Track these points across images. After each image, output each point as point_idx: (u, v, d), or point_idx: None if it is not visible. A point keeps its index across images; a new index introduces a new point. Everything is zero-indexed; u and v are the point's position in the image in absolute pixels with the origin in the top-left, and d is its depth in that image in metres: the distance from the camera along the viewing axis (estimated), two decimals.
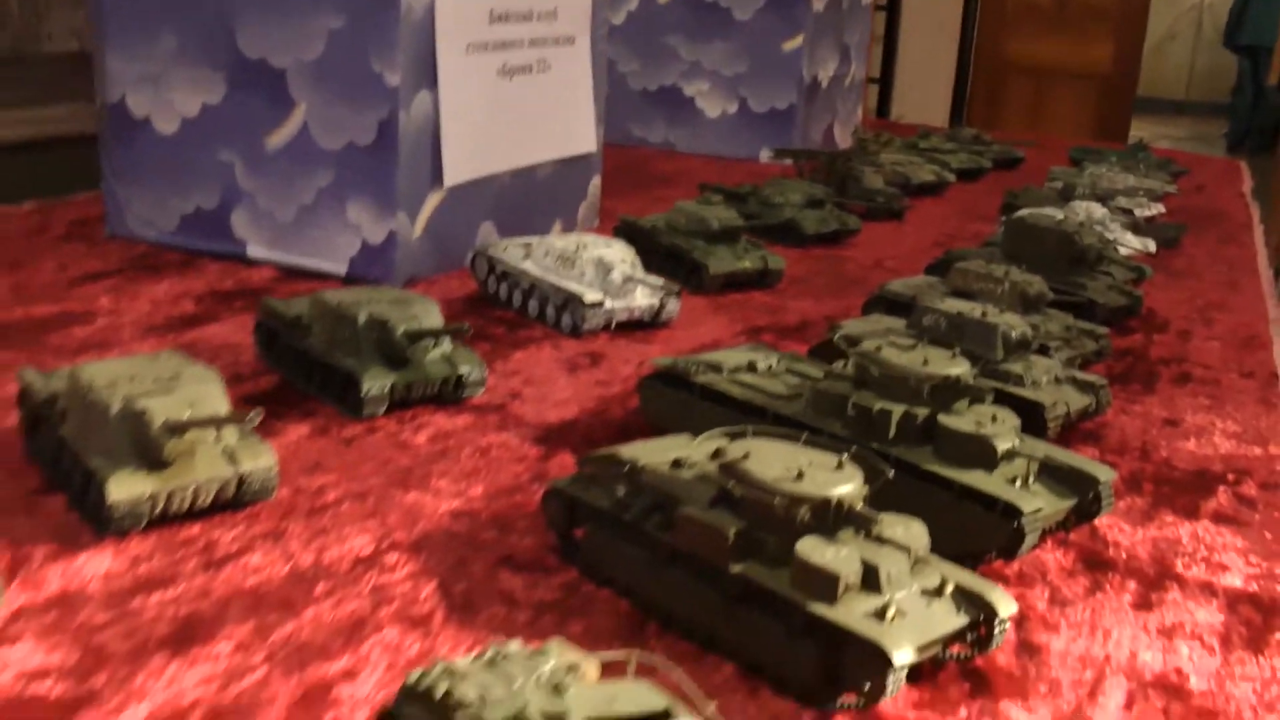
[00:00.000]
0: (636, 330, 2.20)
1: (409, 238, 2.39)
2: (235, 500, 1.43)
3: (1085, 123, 7.09)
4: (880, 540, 1.14)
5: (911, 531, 1.16)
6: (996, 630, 1.15)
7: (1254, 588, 1.39)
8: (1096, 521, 1.50)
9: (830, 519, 1.14)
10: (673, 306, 2.22)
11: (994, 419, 1.41)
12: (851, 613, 1.08)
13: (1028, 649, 1.23)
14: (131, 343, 2.03)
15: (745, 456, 1.18)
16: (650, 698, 0.84)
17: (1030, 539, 1.32)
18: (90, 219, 2.81)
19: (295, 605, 1.25)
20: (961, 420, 1.40)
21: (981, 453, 1.37)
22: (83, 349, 1.98)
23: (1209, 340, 2.35)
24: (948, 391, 1.43)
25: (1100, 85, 7.23)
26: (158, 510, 1.37)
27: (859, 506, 1.15)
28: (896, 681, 1.06)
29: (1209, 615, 1.33)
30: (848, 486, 1.15)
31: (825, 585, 1.09)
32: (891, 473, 1.20)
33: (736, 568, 1.14)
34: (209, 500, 1.40)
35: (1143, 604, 1.34)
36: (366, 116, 2.32)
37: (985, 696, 1.14)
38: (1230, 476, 1.70)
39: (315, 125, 2.38)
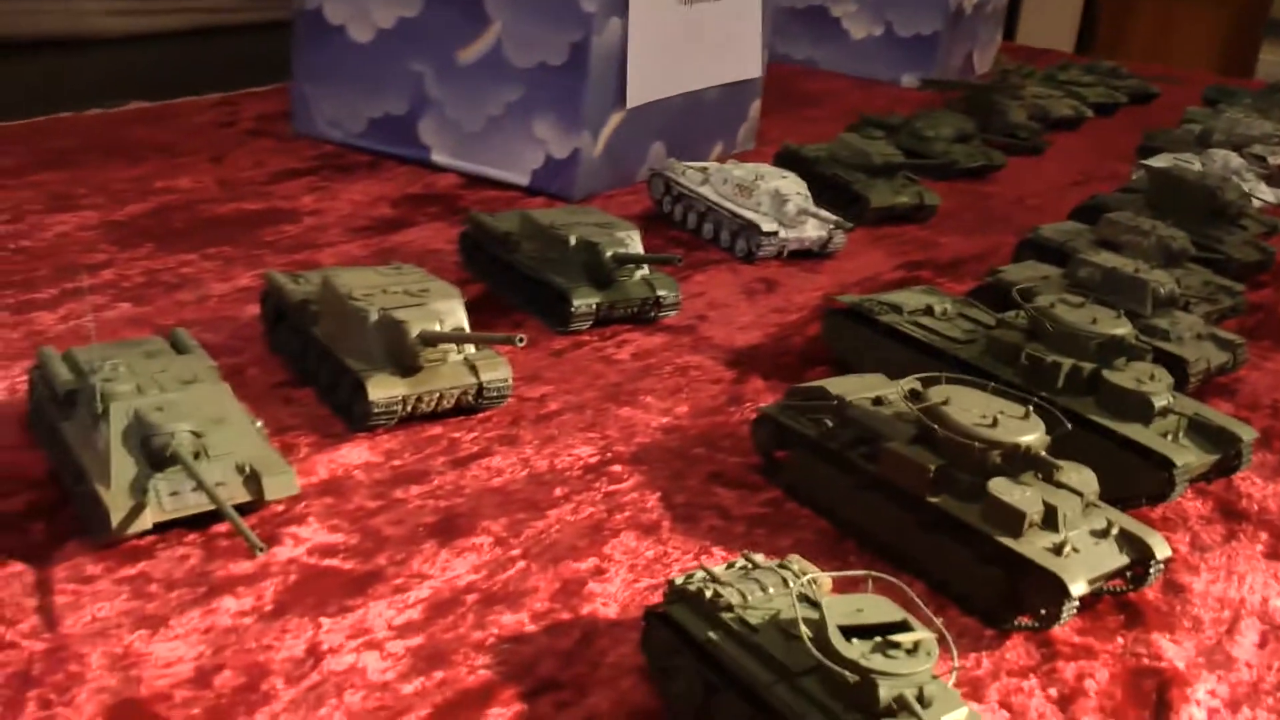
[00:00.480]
0: (805, 259, 2.37)
1: (591, 154, 2.56)
2: (472, 406, 1.64)
3: (1215, 47, 7.01)
4: (1058, 485, 1.32)
5: (1084, 478, 1.34)
6: (1152, 570, 1.33)
7: None
8: (1232, 479, 1.66)
9: (1017, 463, 1.32)
10: (839, 239, 2.39)
11: (1152, 377, 1.57)
12: (1034, 546, 1.26)
13: (1173, 588, 1.41)
14: (340, 244, 2.23)
15: (945, 402, 1.36)
16: (888, 610, 1.03)
17: (1179, 489, 1.49)
18: (274, 114, 3.02)
19: (540, 505, 1.46)
20: (1123, 376, 1.57)
21: (1140, 407, 1.54)
22: (297, 247, 2.19)
23: None
24: (1112, 349, 1.60)
25: (1232, 5, 7.14)
26: (407, 410, 1.57)
27: (1042, 453, 1.33)
28: (1070, 610, 1.25)
29: None
30: (1033, 435, 1.33)
31: (1013, 521, 1.27)
32: (1070, 426, 1.38)
33: (934, 499, 1.33)
34: (451, 403, 1.61)
35: (1273, 554, 1.51)
36: (560, 38, 2.49)
37: (1139, 628, 1.33)
38: None
39: (509, 43, 2.55)
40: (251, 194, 2.45)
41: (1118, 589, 1.36)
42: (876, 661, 0.98)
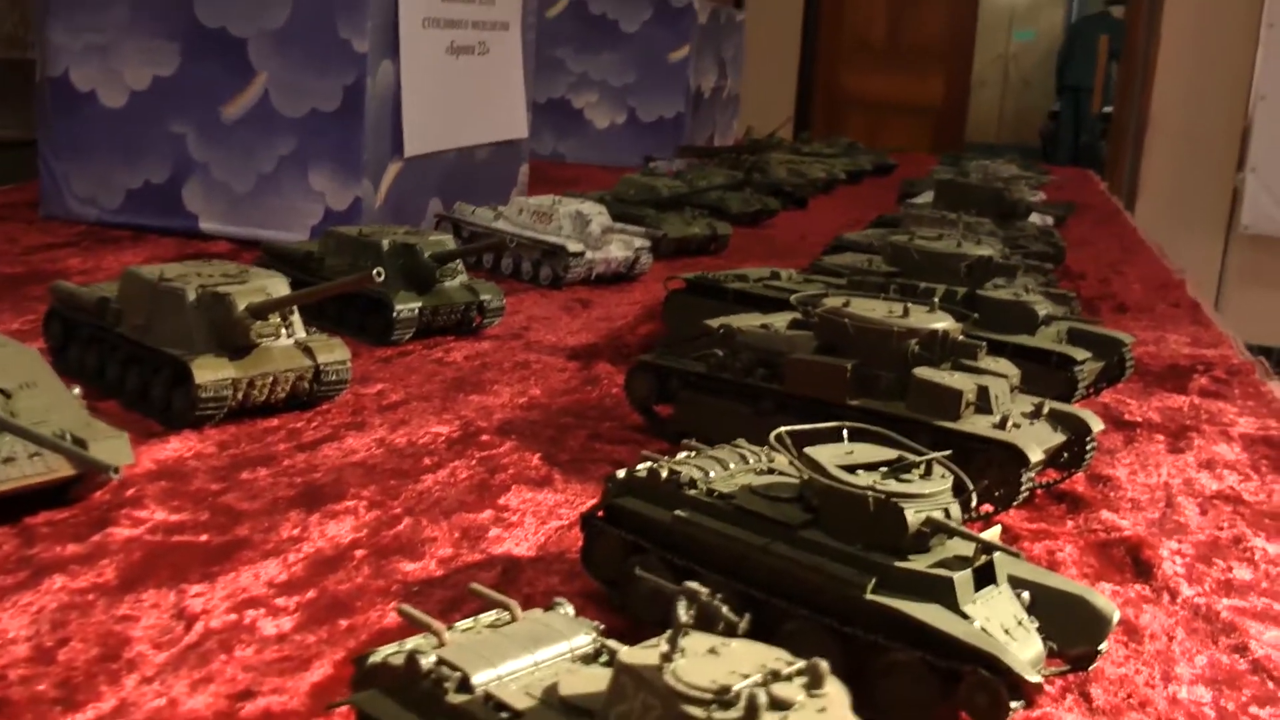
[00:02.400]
0: (612, 283, 2.26)
1: (372, 205, 2.41)
2: (309, 396, 1.44)
3: (921, 153, 7.40)
4: (981, 371, 1.23)
5: (1004, 364, 1.26)
6: (1089, 447, 1.25)
7: (1260, 433, 1.54)
8: (1103, 398, 1.62)
9: (937, 349, 1.23)
10: (646, 260, 2.30)
11: (1027, 289, 1.52)
12: (978, 424, 1.16)
13: (1100, 480, 1.34)
14: None
15: (846, 304, 1.26)
16: (880, 451, 0.91)
17: (1081, 388, 1.43)
18: (18, 204, 2.75)
19: (411, 473, 1.27)
20: (1001, 292, 1.51)
21: (1025, 318, 1.48)
22: None
23: (1128, 284, 2.54)
24: (983, 269, 1.54)
25: (934, 119, 7.59)
26: (238, 397, 1.37)
27: (961, 337, 1.24)
28: (1028, 482, 1.15)
29: (1232, 453, 1.47)
30: (947, 321, 1.24)
31: (949, 403, 1.17)
32: (975, 315, 1.30)
33: (855, 401, 1.22)
34: (286, 390, 1.41)
35: (1175, 449, 1.47)
36: (332, 83, 2.35)
37: (1084, 511, 1.25)
38: (1199, 367, 1.85)
39: (277, 93, 2.39)
40: (8, 263, 2.19)
41: (1051, 482, 1.27)
42: (893, 487, 0.85)
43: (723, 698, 0.53)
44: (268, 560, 1.06)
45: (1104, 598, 0.88)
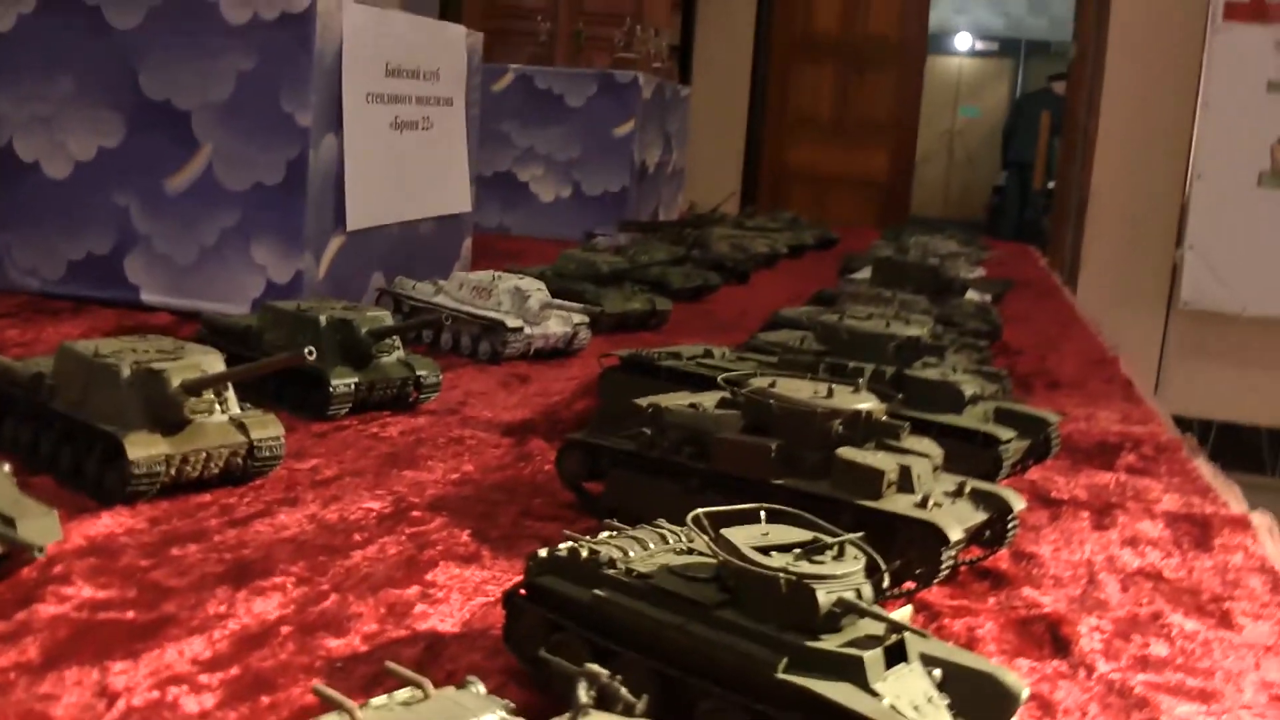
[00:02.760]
0: (551, 358, 2.28)
1: (314, 279, 2.42)
2: (242, 472, 1.45)
3: (866, 227, 7.50)
4: (904, 451, 1.26)
5: (927, 444, 1.28)
6: (1010, 526, 1.27)
7: (1183, 511, 1.57)
8: (1031, 476, 1.66)
9: (860, 430, 1.25)
10: (584, 336, 2.32)
11: (954, 369, 1.55)
12: (899, 504, 1.19)
13: (1023, 557, 1.36)
14: None
15: (773, 384, 1.29)
16: (794, 532, 0.93)
17: (1006, 466, 1.46)
18: None
19: (341, 550, 1.28)
20: (929, 372, 1.54)
21: (951, 397, 1.51)
22: None
23: (1063, 360, 2.58)
24: (911, 349, 1.57)
25: (879, 193, 7.70)
26: (171, 473, 1.37)
27: (884, 418, 1.27)
28: (948, 560, 1.17)
29: (1155, 530, 1.50)
30: (871, 402, 1.27)
31: (870, 482, 1.19)
32: (900, 395, 1.32)
33: (780, 480, 1.24)
34: (220, 466, 1.42)
35: (1099, 526, 1.50)
36: (275, 156, 2.36)
37: (1006, 588, 1.27)
38: (1128, 444, 1.89)
39: (220, 166, 2.41)
40: None
41: (974, 559, 1.30)
42: (805, 568, 0.87)
43: None
44: (193, 637, 1.06)
45: (1014, 675, 0.90)
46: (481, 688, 0.74)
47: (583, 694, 0.58)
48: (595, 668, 0.60)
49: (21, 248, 2.56)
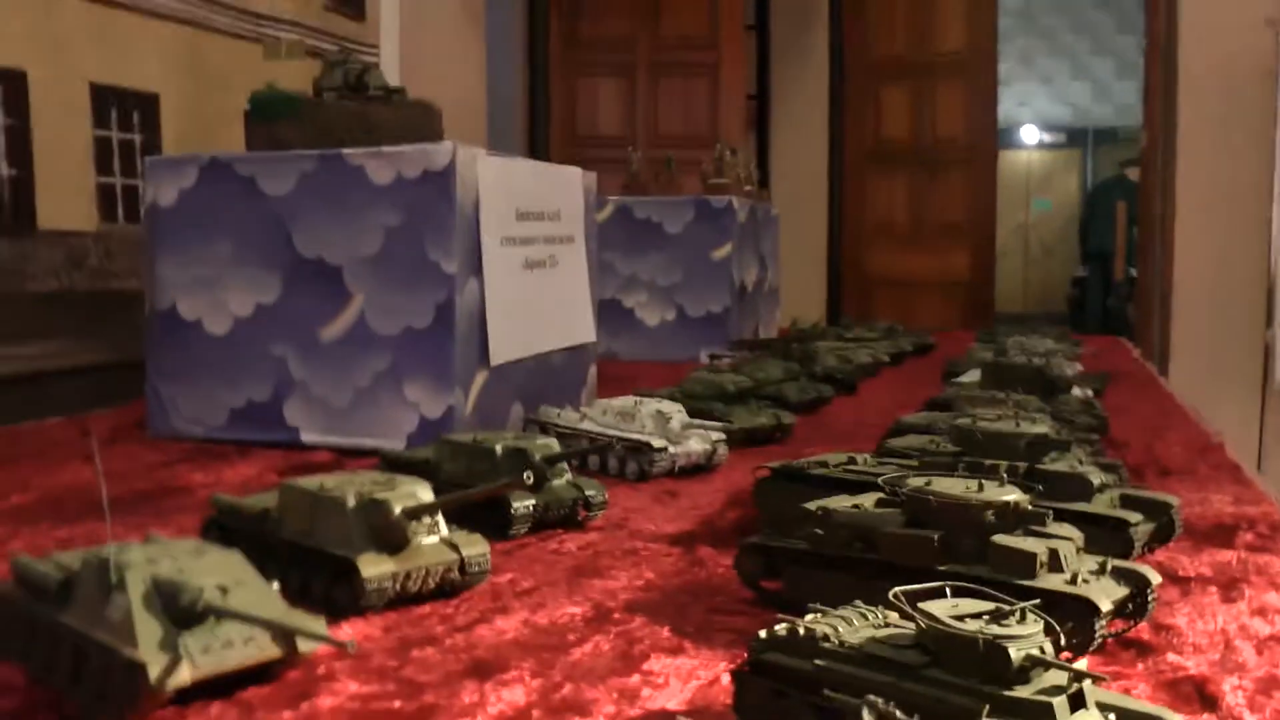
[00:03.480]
0: (693, 474, 2.47)
1: (463, 412, 2.63)
2: (453, 587, 1.64)
3: (953, 327, 7.65)
4: (1049, 535, 1.42)
5: (1068, 529, 1.45)
6: (1150, 598, 1.43)
7: None
8: (1158, 557, 1.80)
9: (1010, 519, 1.42)
10: (722, 453, 2.51)
11: (1080, 462, 1.71)
12: (1051, 582, 1.35)
13: (1161, 628, 1.51)
14: None
15: (928, 483, 1.46)
16: (980, 604, 1.10)
17: (1138, 547, 1.61)
18: (126, 425, 2.99)
19: (559, 647, 1.46)
20: (1058, 465, 1.70)
21: (1081, 486, 1.67)
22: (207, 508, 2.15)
23: (1169, 448, 2.72)
24: (1040, 445, 1.74)
25: (962, 292, 7.86)
26: (396, 588, 1.57)
27: (1030, 508, 1.43)
28: (1100, 629, 1.33)
29: None
30: (1017, 494, 1.44)
31: (1025, 564, 1.36)
32: (1040, 487, 1.49)
33: (943, 565, 1.41)
34: (436, 581, 1.61)
35: (1227, 599, 1.64)
36: (424, 302, 2.60)
37: (1151, 655, 1.42)
38: (1244, 524, 2.02)
39: (372, 313, 2.64)
40: (136, 478, 2.41)
41: (1120, 631, 1.45)
42: (997, 630, 1.03)
43: None
44: None
45: (1179, 716, 1.05)
46: None
47: (867, 718, 0.75)
48: (875, 698, 0.77)
49: (186, 399, 2.80)
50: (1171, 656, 1.41)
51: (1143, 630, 1.49)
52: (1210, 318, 5.55)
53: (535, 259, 2.94)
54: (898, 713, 0.76)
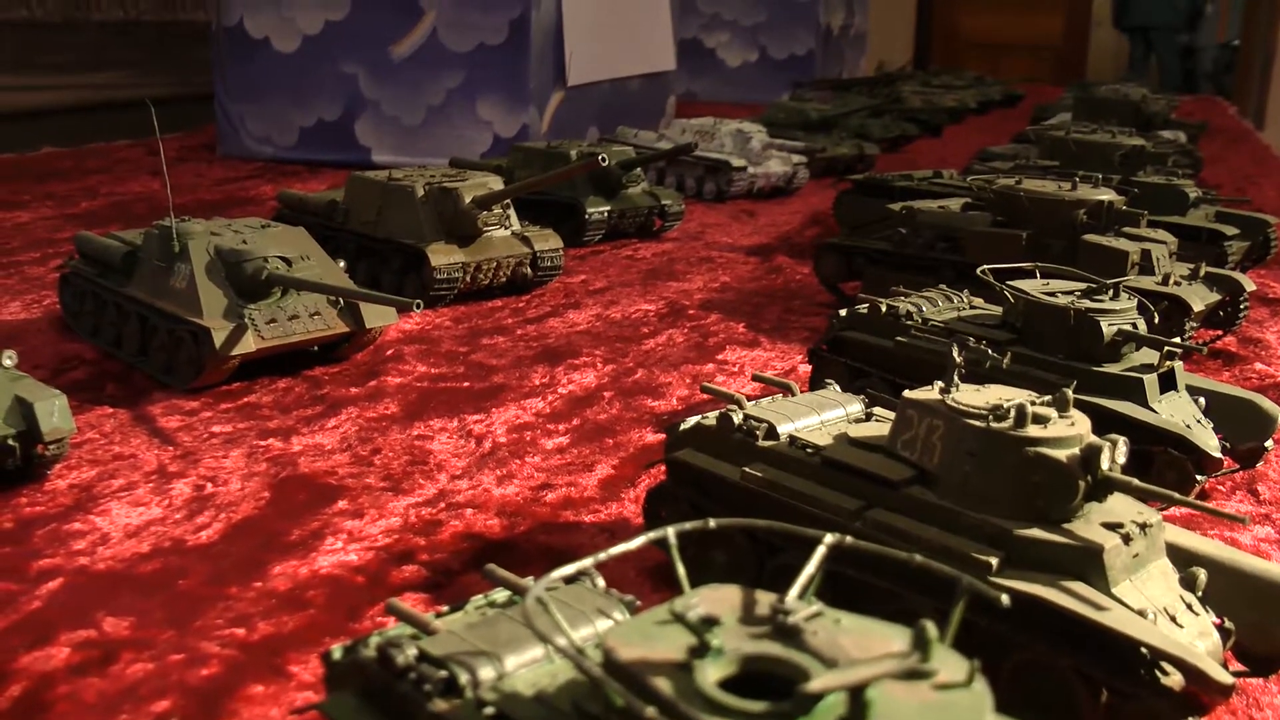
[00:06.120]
0: (771, 197, 2.42)
1: (538, 132, 2.58)
2: (525, 282, 1.62)
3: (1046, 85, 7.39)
4: (1143, 238, 1.37)
5: (1162, 233, 1.40)
6: (1242, 306, 1.38)
7: None
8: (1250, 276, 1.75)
9: (1103, 218, 1.36)
10: (802, 176, 2.44)
11: (1178, 174, 1.65)
12: (1143, 282, 1.30)
13: (1250, 341, 1.47)
14: None
15: (1019, 181, 1.41)
16: (1072, 285, 1.06)
17: (1229, 264, 1.56)
18: (196, 146, 2.97)
19: (632, 338, 1.44)
20: (1155, 176, 1.64)
21: (1176, 199, 1.61)
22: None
23: (1264, 193, 2.63)
24: (1136, 158, 1.67)
25: (1053, 56, 7.57)
26: (466, 279, 1.55)
27: (1123, 206, 1.38)
28: (1191, 329, 1.29)
29: None
30: (1111, 193, 1.38)
31: (1116, 263, 1.31)
32: (1136, 191, 1.43)
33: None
34: (508, 274, 1.59)
35: None
36: (498, 17, 2.52)
37: (1239, 364, 1.38)
38: None
39: (445, 30, 2.57)
40: (204, 190, 2.40)
41: (1210, 340, 1.41)
42: (1088, 304, 1.00)
43: (996, 413, 0.69)
44: (529, 399, 1.23)
45: (1270, 401, 1.02)
46: (837, 386, 0.89)
47: (955, 354, 0.72)
48: (964, 335, 0.74)
49: (255, 118, 2.76)
50: (1259, 365, 1.37)
51: (1230, 343, 1.45)
52: None
53: None
54: (989, 349, 0.73)
